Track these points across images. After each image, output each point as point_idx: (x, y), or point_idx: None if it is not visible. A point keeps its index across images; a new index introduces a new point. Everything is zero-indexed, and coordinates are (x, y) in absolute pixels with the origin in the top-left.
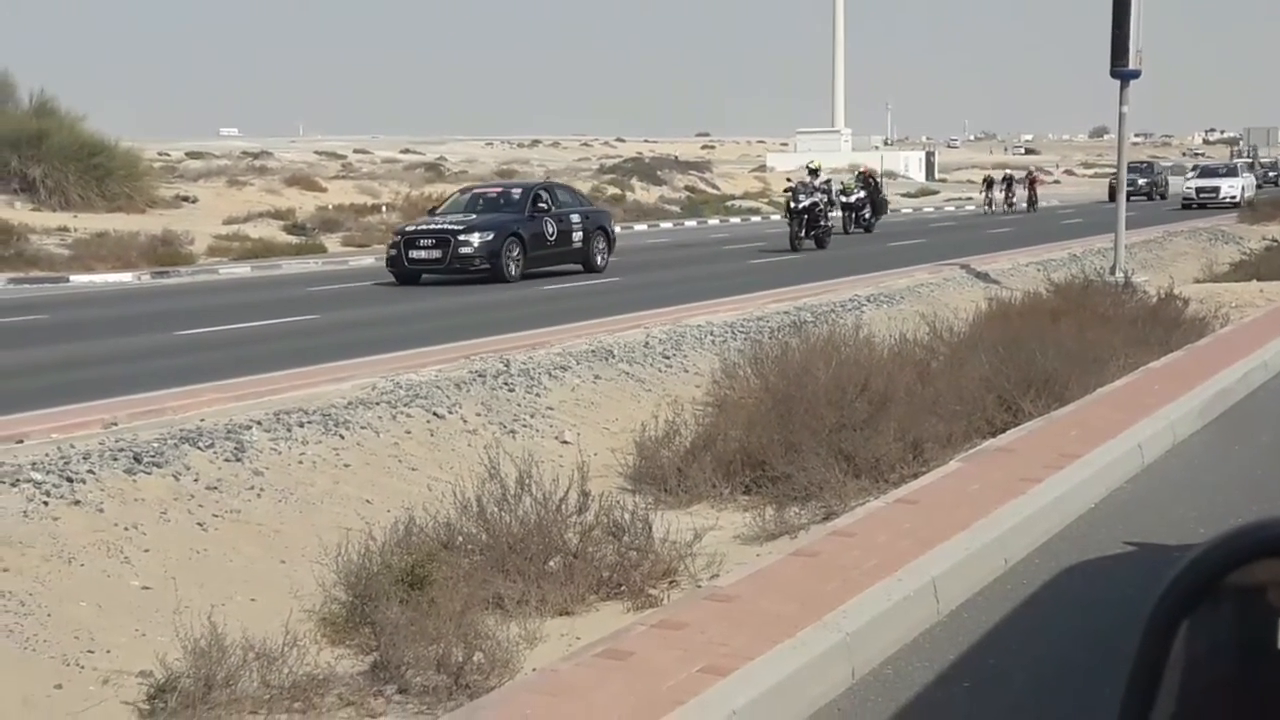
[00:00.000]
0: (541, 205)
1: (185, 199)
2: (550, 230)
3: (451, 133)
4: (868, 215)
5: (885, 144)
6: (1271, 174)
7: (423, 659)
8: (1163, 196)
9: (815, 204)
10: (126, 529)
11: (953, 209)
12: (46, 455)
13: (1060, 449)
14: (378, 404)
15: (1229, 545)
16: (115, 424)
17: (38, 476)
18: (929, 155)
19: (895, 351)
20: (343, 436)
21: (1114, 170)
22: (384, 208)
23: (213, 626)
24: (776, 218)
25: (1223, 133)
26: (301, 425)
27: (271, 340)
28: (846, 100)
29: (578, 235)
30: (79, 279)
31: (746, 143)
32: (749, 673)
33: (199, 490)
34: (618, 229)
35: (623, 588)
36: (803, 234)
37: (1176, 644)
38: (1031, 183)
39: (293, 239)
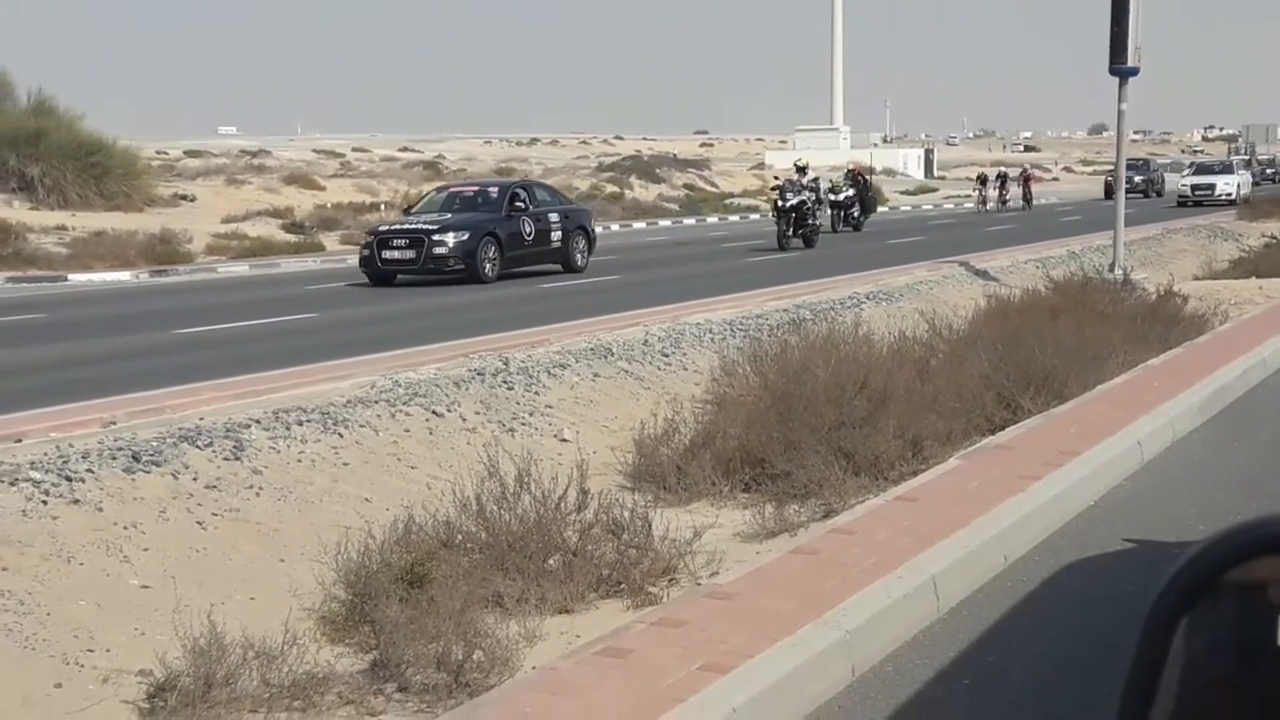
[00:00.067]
0: (519, 204)
1: (183, 198)
2: (528, 229)
3: (450, 131)
4: (856, 213)
5: (884, 141)
6: (1269, 171)
7: (422, 657)
8: (1159, 194)
9: (803, 202)
10: (125, 528)
11: (951, 206)
12: (45, 454)
13: (1060, 446)
14: (376, 402)
15: (1228, 542)
16: (114, 423)
17: (36, 475)
18: (928, 153)
19: (894, 349)
20: (342, 435)
21: (1112, 167)
22: (382, 206)
23: (212, 625)
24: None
25: (1222, 130)
26: (300, 424)
27: (270, 339)
28: (845, 98)
29: (556, 235)
30: (77, 278)
31: (745, 141)
32: (749, 670)
33: (198, 489)
34: (616, 227)
35: (622, 586)
36: (790, 232)
37: (1176, 641)
38: (1026, 180)
39: (291, 237)
